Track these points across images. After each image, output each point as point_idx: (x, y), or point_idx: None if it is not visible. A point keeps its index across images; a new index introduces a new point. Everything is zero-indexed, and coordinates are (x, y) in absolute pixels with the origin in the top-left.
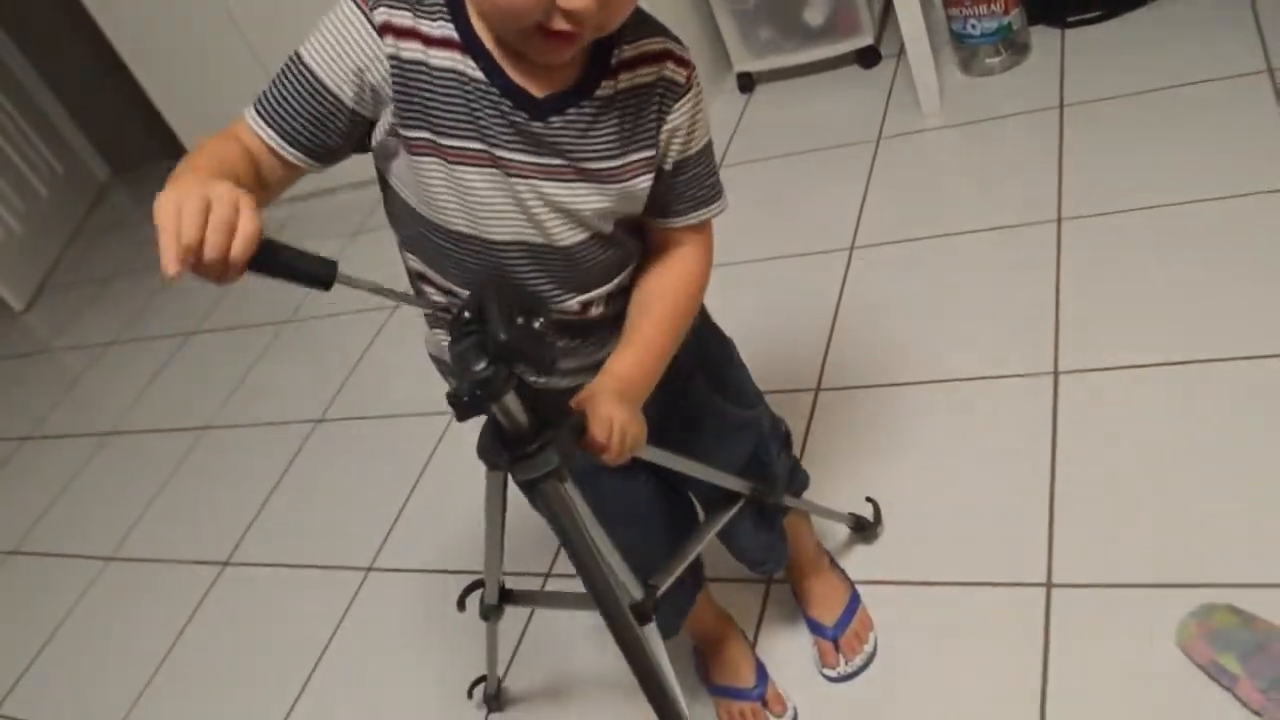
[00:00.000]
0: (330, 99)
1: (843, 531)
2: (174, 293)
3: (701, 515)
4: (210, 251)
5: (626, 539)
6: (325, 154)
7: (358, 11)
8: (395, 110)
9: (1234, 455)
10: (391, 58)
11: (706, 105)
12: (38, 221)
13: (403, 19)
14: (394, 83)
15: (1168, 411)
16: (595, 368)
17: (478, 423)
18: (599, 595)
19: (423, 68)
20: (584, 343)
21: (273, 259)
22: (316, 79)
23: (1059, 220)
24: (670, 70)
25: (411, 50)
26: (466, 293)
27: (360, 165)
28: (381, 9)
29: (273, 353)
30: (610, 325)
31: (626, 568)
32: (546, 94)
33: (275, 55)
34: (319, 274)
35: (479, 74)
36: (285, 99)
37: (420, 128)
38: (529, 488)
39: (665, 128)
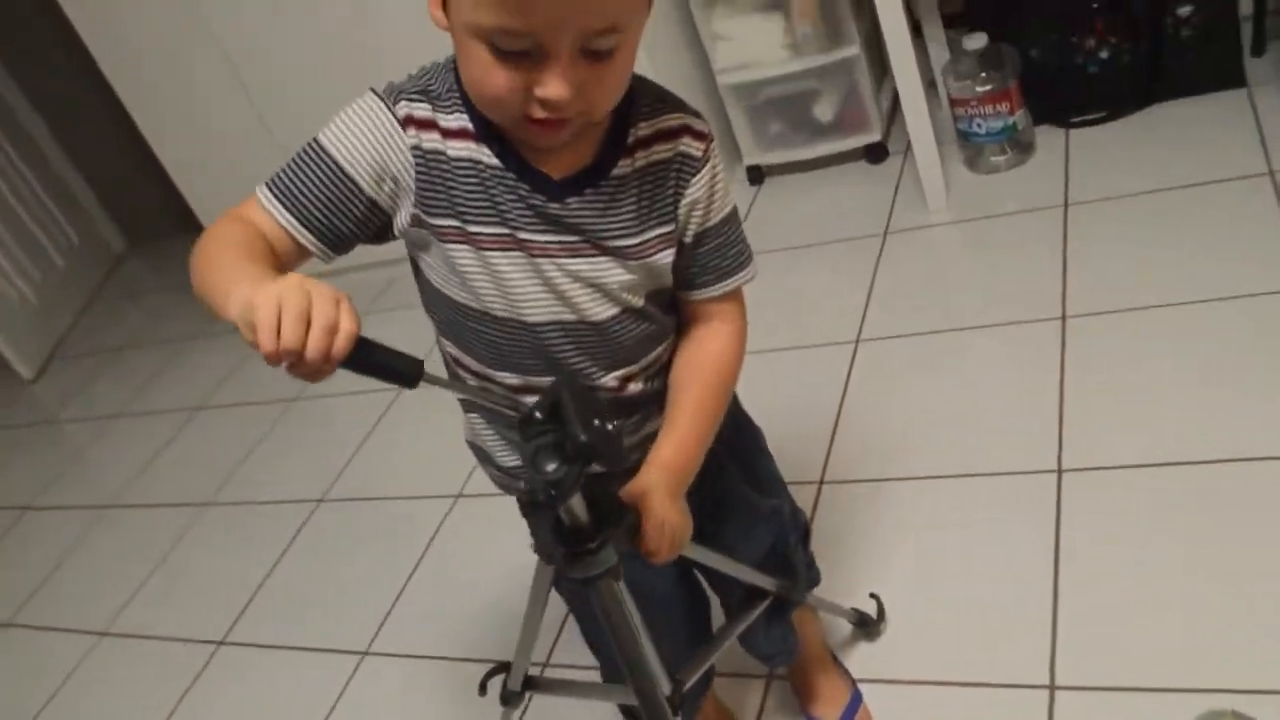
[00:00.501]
0: (348, 184)
1: (844, 626)
2: (182, 367)
3: (717, 602)
4: (313, 353)
5: (647, 626)
6: (337, 241)
7: (381, 104)
8: (418, 200)
9: (1239, 558)
10: (414, 148)
11: (727, 175)
12: (52, 291)
13: (423, 111)
14: (417, 173)
15: (1173, 512)
16: (639, 445)
17: (491, 517)
18: (644, 694)
19: (443, 158)
20: (626, 420)
21: (368, 358)
22: (335, 163)
23: (1063, 318)
24: (686, 144)
25: (432, 141)
26: (504, 377)
27: (368, 246)
28: (403, 103)
29: (278, 431)
30: (651, 401)
31: (658, 661)
32: (563, 175)
33: (289, 131)
34: (406, 372)
35: (495, 160)
36: (301, 181)
37: (448, 215)
38: (585, 584)
39: (684, 202)
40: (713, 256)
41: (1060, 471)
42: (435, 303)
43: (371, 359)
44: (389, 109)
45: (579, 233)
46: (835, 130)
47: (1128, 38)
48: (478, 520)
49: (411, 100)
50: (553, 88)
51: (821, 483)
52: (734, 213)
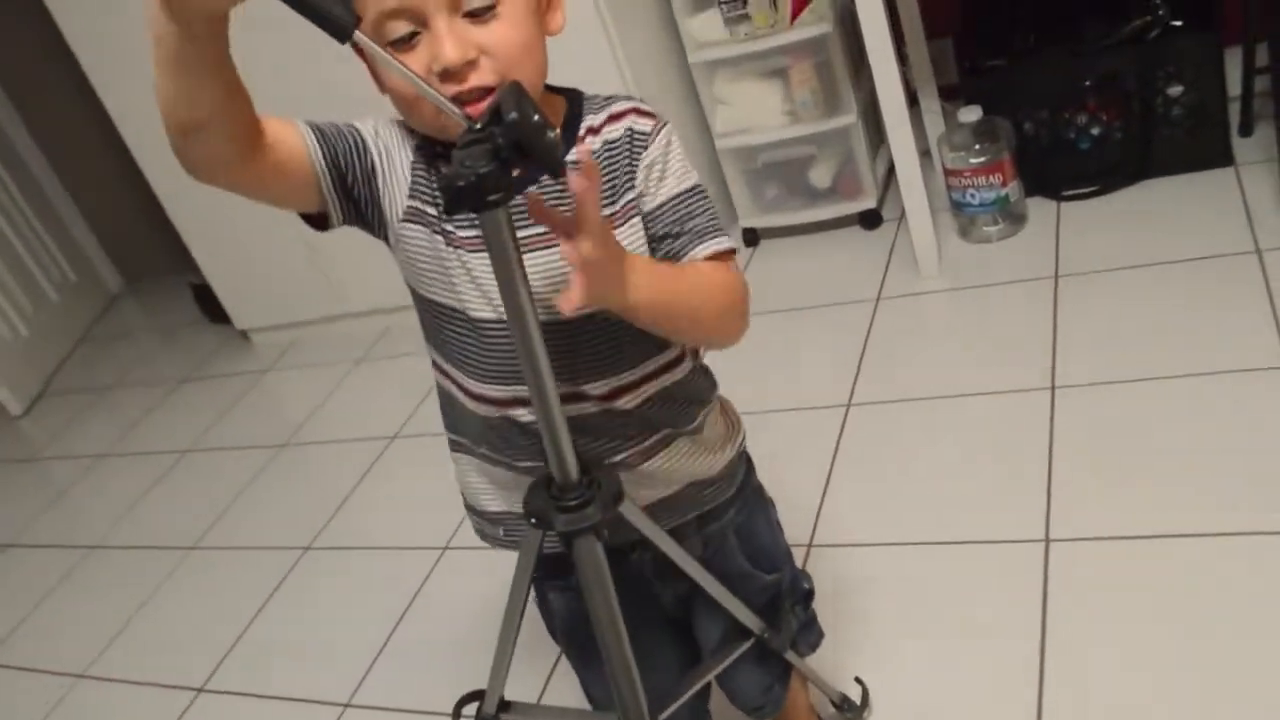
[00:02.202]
0: (360, 142)
1: (828, 704)
2: (172, 409)
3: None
4: None
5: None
6: (338, 171)
7: (399, 128)
8: (412, 189)
9: (1225, 632)
10: (416, 149)
11: (685, 155)
12: (45, 326)
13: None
14: (413, 169)
15: (1159, 586)
16: (626, 462)
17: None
18: (618, 681)
19: (429, 168)
20: (609, 440)
21: None
22: (354, 126)
23: (1053, 388)
24: (636, 121)
25: (422, 155)
26: (492, 391)
27: (364, 294)
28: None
29: (267, 476)
30: (643, 422)
31: (639, 685)
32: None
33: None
34: (339, 19)
35: None
36: (330, 126)
37: (430, 203)
38: (567, 541)
39: (640, 165)
40: (683, 221)
41: (1048, 541)
42: (428, 326)
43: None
44: (401, 130)
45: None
46: (831, 196)
47: (1119, 115)
48: (465, 573)
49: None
50: (443, 51)
51: (810, 545)
52: (700, 187)
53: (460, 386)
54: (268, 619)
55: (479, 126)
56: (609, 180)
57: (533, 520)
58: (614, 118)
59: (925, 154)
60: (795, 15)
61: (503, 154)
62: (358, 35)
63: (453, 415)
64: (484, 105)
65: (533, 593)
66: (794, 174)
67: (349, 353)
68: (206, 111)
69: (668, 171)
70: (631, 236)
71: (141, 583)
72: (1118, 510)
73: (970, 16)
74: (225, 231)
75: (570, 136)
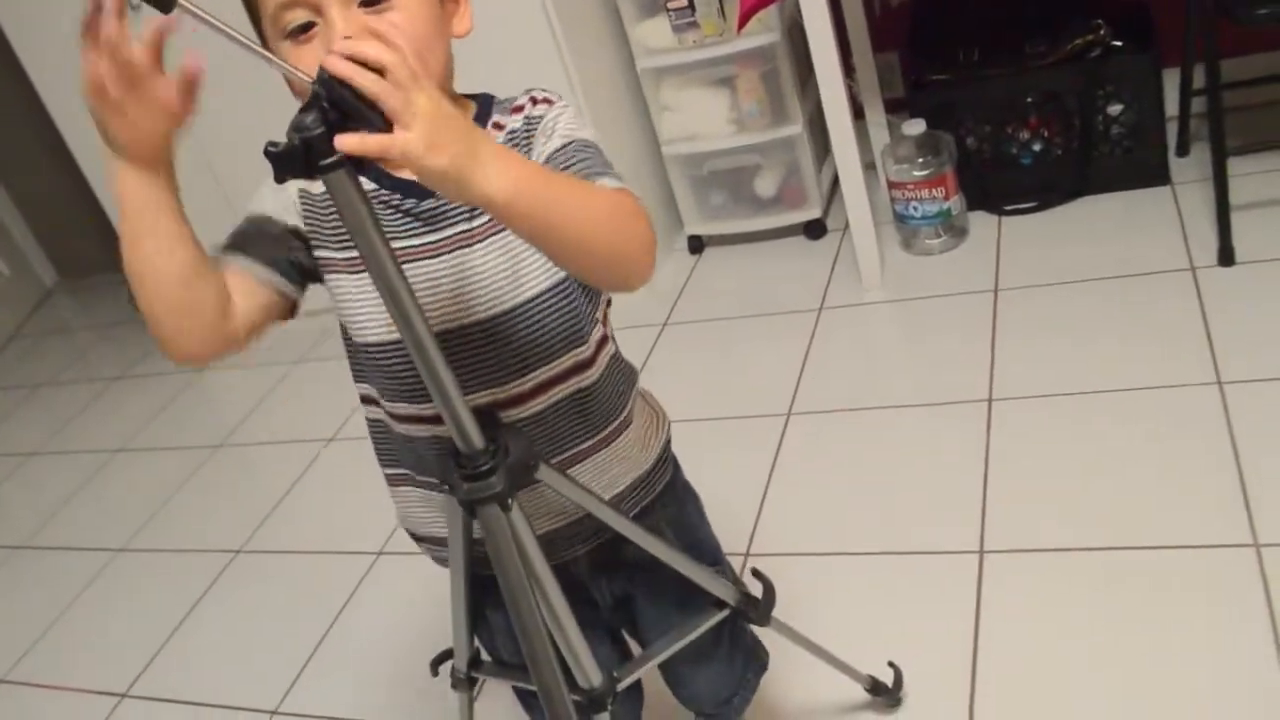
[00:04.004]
0: (280, 225)
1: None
2: (105, 408)
3: None
4: None
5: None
6: (295, 271)
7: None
8: (310, 239)
9: (1153, 642)
10: (301, 192)
11: (584, 126)
12: None
13: None
14: (304, 215)
15: (1089, 596)
16: (566, 461)
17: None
18: (532, 647)
19: (319, 195)
20: (549, 442)
21: None
22: (255, 213)
23: (989, 400)
24: (532, 109)
25: (316, 185)
26: (410, 410)
27: (305, 296)
28: None
29: (201, 477)
30: (554, 431)
31: (589, 651)
32: None
33: (234, 176)
34: None
35: (369, 184)
36: (242, 233)
37: (323, 247)
38: (469, 509)
39: (535, 136)
40: (572, 166)
41: (982, 552)
42: (350, 356)
43: None
44: None
45: (457, 221)
46: (776, 205)
47: (1060, 132)
48: (398, 579)
49: None
50: (335, 38)
51: (748, 554)
52: (592, 143)
53: (388, 412)
54: (196, 623)
55: (316, 85)
56: None
57: (446, 487)
58: (515, 110)
59: (870, 166)
60: (743, 24)
61: (329, 116)
62: (181, 1)
63: (389, 446)
64: None
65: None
66: (739, 182)
67: (287, 354)
68: (182, 293)
69: (555, 130)
70: None
71: (67, 585)
72: (1051, 523)
73: (917, 31)
74: None
75: None
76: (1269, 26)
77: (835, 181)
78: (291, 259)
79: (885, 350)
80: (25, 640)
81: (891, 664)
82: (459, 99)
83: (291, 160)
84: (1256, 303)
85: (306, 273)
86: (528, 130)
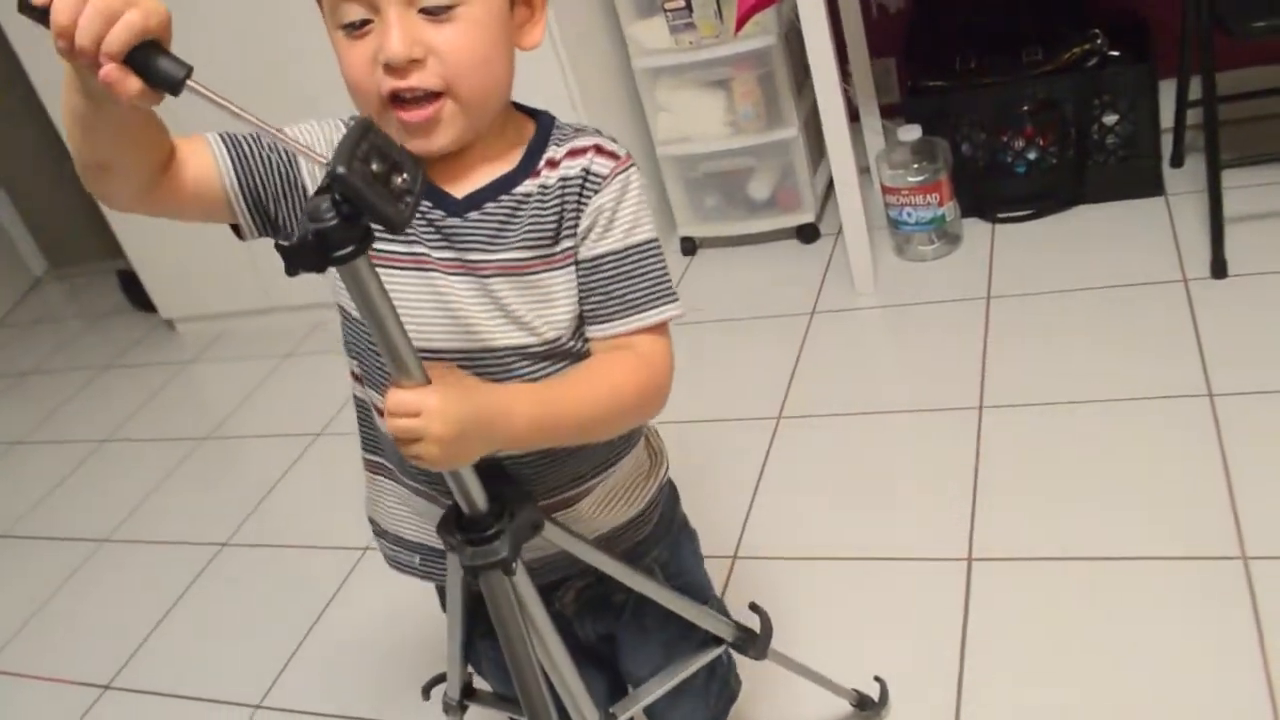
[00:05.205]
0: (283, 159)
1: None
2: (92, 397)
3: None
4: (83, 38)
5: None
6: (250, 190)
7: (333, 122)
8: None
9: (1140, 653)
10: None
11: (645, 207)
12: None
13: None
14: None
15: (1076, 605)
16: (557, 495)
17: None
18: (530, 703)
19: None
20: (547, 473)
21: (145, 60)
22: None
23: (980, 407)
24: (595, 161)
25: None
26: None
27: (296, 288)
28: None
29: (187, 469)
30: (581, 458)
31: (585, 692)
32: (467, 193)
33: None
34: (170, 77)
35: None
36: (250, 139)
37: None
38: (473, 575)
39: (587, 211)
40: (618, 282)
41: (970, 560)
42: (347, 340)
43: (147, 61)
44: (336, 126)
45: (475, 248)
46: (770, 208)
47: (1055, 141)
48: (384, 576)
49: (343, 125)
50: (387, 42)
51: (735, 557)
52: (648, 244)
53: (373, 404)
54: (180, 616)
55: (332, 169)
56: (550, 221)
57: (450, 547)
58: (574, 153)
59: (864, 171)
60: (740, 26)
61: (343, 208)
62: (190, 83)
63: (373, 432)
64: (423, 114)
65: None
66: (733, 185)
67: (277, 347)
68: (107, 155)
69: (615, 222)
70: (566, 283)
71: (50, 575)
72: (1039, 531)
73: (913, 37)
74: (154, 219)
75: (529, 165)
76: (1264, 40)
77: (829, 186)
78: (266, 208)
79: (877, 355)
80: (7, 630)
81: (878, 678)
82: (516, 115)
83: (305, 254)
84: (1248, 315)
85: (270, 225)
86: (582, 186)
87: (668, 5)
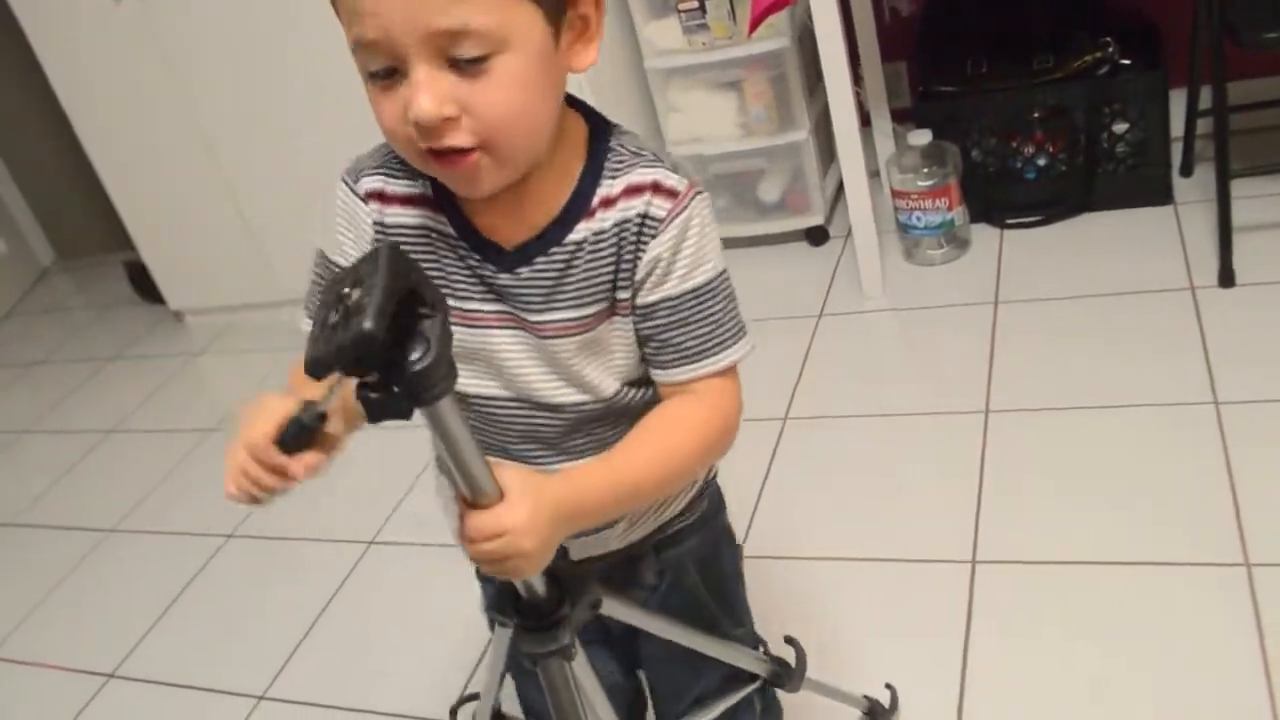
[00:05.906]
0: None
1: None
2: (100, 387)
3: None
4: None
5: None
6: None
7: (347, 190)
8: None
9: (1143, 659)
10: (376, 224)
11: (709, 240)
12: None
13: (378, 183)
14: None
15: (1080, 611)
16: (599, 548)
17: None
18: None
19: (401, 228)
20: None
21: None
22: (337, 265)
23: (986, 411)
24: (652, 202)
25: (392, 214)
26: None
27: (304, 280)
28: (364, 179)
29: (195, 459)
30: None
31: None
32: (515, 245)
33: (237, 161)
34: (309, 425)
35: (448, 228)
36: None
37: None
38: (532, 660)
39: (645, 258)
40: (675, 329)
41: (974, 562)
42: None
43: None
44: (353, 191)
45: (530, 309)
46: (779, 210)
47: (1065, 147)
48: (389, 569)
49: (371, 174)
50: (416, 102)
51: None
52: (707, 286)
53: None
54: (185, 606)
55: (346, 292)
56: (606, 272)
57: (500, 621)
58: (631, 191)
59: (874, 174)
60: (754, 28)
61: (375, 384)
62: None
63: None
64: (459, 168)
65: None
66: (744, 186)
67: (285, 340)
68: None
69: (673, 268)
70: (623, 332)
71: (56, 564)
72: (1043, 535)
73: (925, 42)
74: (164, 210)
75: (583, 204)
76: (1275, 51)
77: (839, 189)
78: None
79: (884, 358)
80: (13, 618)
81: (888, 685)
82: (568, 125)
83: (394, 403)
84: (1255, 324)
85: None
86: (640, 231)
87: (681, 6)
